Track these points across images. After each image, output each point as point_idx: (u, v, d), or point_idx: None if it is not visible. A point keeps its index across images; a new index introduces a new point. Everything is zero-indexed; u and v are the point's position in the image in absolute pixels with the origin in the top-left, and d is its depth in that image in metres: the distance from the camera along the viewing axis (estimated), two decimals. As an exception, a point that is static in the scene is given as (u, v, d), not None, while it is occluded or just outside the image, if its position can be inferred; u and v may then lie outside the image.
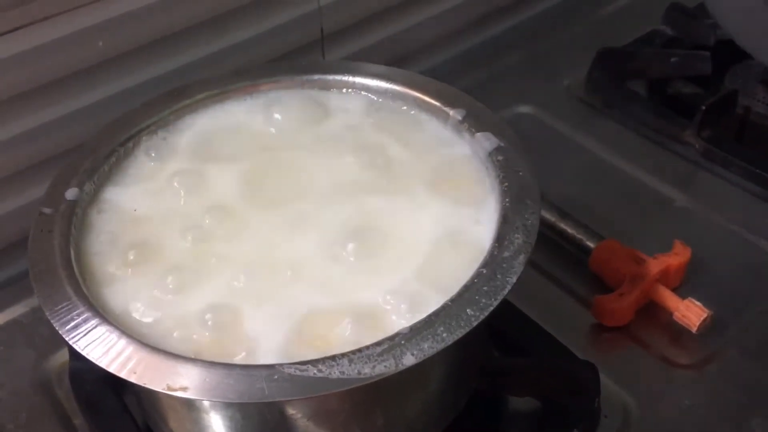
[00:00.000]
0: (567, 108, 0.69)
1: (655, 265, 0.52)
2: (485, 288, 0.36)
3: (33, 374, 0.51)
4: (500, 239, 0.38)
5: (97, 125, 0.50)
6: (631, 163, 0.64)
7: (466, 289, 0.36)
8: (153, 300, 0.39)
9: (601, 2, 0.81)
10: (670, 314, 0.52)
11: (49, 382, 0.51)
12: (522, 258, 0.37)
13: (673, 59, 0.69)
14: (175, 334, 0.37)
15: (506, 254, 0.38)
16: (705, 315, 0.50)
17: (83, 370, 0.49)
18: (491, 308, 0.35)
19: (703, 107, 0.64)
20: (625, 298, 0.51)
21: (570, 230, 0.56)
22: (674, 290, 0.53)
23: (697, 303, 0.51)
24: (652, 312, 0.53)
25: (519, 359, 0.48)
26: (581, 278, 0.55)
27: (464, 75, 0.71)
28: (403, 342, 0.34)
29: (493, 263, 0.37)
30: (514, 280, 0.36)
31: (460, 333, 0.34)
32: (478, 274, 0.37)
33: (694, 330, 0.50)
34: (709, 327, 0.51)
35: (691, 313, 0.50)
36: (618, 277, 0.53)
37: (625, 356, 0.51)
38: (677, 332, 0.51)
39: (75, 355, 0.49)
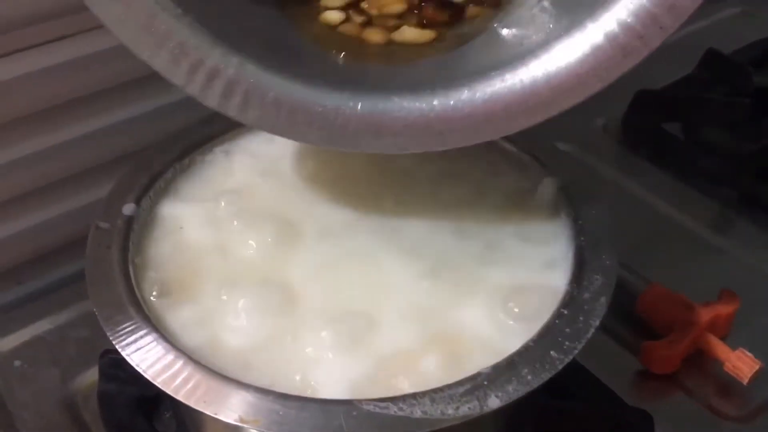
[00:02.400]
0: (604, 148, 0.69)
1: (705, 313, 0.51)
2: (568, 330, 0.35)
3: (58, 394, 0.49)
4: (578, 280, 0.37)
5: (146, 137, 0.49)
6: (670, 206, 0.63)
7: (548, 330, 0.35)
8: (216, 323, 0.37)
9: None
10: (719, 363, 0.51)
11: (75, 404, 0.49)
12: (603, 300, 0.36)
13: (711, 105, 0.69)
14: (241, 360, 0.35)
15: (586, 295, 0.36)
16: (757, 367, 0.49)
17: (113, 393, 0.47)
18: (576, 351, 0.34)
19: (742, 155, 0.64)
20: (675, 346, 0.50)
21: (616, 272, 0.55)
22: (722, 339, 0.52)
23: (749, 354, 0.50)
24: (699, 360, 0.51)
25: (572, 403, 0.47)
26: (627, 322, 0.53)
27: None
28: (486, 383, 0.33)
29: (573, 304, 0.36)
30: (597, 323, 0.35)
31: (545, 376, 0.33)
32: (558, 315, 0.36)
33: (745, 382, 0.49)
34: (758, 378, 0.50)
35: (743, 364, 0.49)
36: (666, 323, 0.51)
37: (673, 405, 0.50)
38: (726, 382, 0.50)
39: (105, 376, 0.48)
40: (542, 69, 0.33)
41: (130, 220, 0.40)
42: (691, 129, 0.70)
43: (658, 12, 0.31)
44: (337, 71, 0.37)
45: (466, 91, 0.34)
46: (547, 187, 0.43)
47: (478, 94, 0.34)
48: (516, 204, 0.43)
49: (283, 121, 0.34)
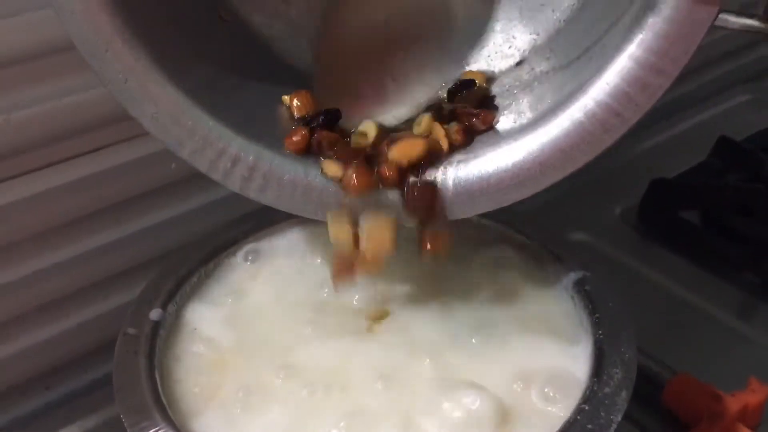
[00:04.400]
0: (622, 236, 0.69)
1: (734, 403, 0.50)
2: (590, 426, 0.35)
3: (87, 504, 0.49)
4: (598, 374, 0.37)
5: (171, 242, 0.51)
6: (692, 294, 0.63)
7: (569, 425, 0.35)
8: (240, 427, 0.37)
9: (647, 135, 0.82)
10: (751, 455, 0.50)
11: None
12: (624, 394, 0.36)
13: (725, 192, 0.70)
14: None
15: (607, 390, 0.37)
16: (790, 457, 0.48)
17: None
18: (599, 448, 0.34)
19: (761, 240, 0.64)
20: (705, 437, 0.49)
21: (640, 362, 0.54)
22: (753, 430, 0.51)
23: (781, 444, 0.49)
24: (730, 452, 0.51)
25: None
26: (654, 413, 0.53)
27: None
28: (509, 481, 0.33)
29: (594, 399, 0.36)
30: (619, 418, 0.35)
31: (569, 474, 0.33)
32: (579, 410, 0.36)
33: (778, 473, 0.48)
34: (792, 470, 0.49)
35: (775, 455, 0.48)
36: (694, 414, 0.51)
37: (706, 499, 0.49)
38: (759, 474, 0.49)
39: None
40: (531, 146, 0.36)
41: (156, 326, 0.41)
42: (708, 216, 0.70)
43: (632, 91, 0.33)
44: None
45: (462, 168, 0.37)
46: (563, 281, 0.44)
47: (473, 172, 0.37)
48: (533, 299, 0.44)
49: (298, 201, 0.39)
